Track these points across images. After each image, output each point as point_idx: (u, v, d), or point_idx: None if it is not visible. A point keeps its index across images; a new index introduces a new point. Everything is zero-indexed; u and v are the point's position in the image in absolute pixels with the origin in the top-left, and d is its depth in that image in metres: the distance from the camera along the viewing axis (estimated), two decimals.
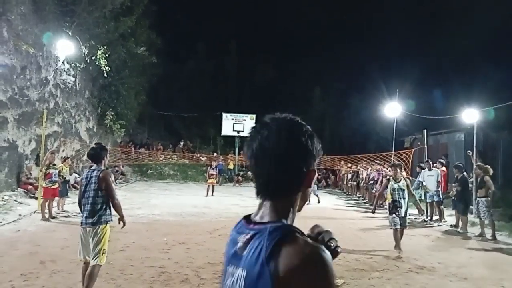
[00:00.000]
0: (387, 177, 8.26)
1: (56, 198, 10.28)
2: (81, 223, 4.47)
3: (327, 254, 0.95)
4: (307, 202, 1.14)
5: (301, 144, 1.05)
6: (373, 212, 8.07)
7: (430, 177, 11.31)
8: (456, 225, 10.19)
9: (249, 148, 1.07)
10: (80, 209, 4.54)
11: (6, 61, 11.71)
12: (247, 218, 1.08)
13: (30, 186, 12.17)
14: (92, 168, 4.53)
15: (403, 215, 7.20)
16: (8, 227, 8.44)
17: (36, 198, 10.81)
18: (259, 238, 0.97)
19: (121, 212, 4.60)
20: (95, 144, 4.84)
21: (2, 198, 10.64)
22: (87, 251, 4.41)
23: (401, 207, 7.17)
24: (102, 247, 4.39)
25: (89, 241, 4.39)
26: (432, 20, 26.01)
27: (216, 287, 5.05)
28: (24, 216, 9.66)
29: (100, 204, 4.41)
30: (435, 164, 11.84)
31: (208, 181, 16.78)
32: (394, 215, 7.19)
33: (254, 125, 1.12)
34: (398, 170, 7.45)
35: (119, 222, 4.65)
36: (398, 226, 7.16)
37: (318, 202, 14.82)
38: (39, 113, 13.12)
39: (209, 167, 17.56)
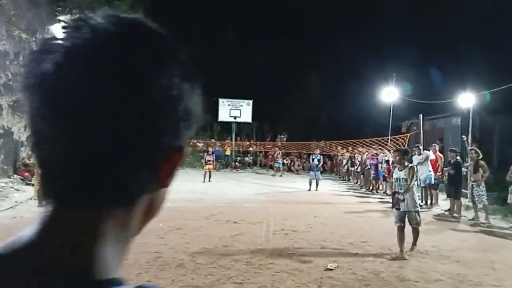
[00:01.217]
0: (393, 164, 7.41)
1: None
2: None
3: None
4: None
5: (167, 84, 0.46)
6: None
7: (421, 161, 11.38)
8: (450, 209, 10.29)
9: (34, 68, 0.44)
10: None
11: None
12: None
13: (26, 173, 12.18)
14: None
15: (410, 209, 6.12)
16: (5, 213, 8.47)
17: (33, 185, 10.84)
18: None
19: None
20: None
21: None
22: None
23: (403, 200, 6.16)
24: None
25: None
26: (428, 3, 25.78)
27: (212, 271, 5.12)
28: (21, 202, 9.69)
29: None
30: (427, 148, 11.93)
31: (205, 167, 16.80)
32: (395, 209, 6.32)
33: (66, 21, 0.47)
34: (405, 157, 6.48)
35: None
36: (402, 223, 6.13)
37: (316, 189, 14.62)
38: None
39: (205, 153, 17.57)
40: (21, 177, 12.11)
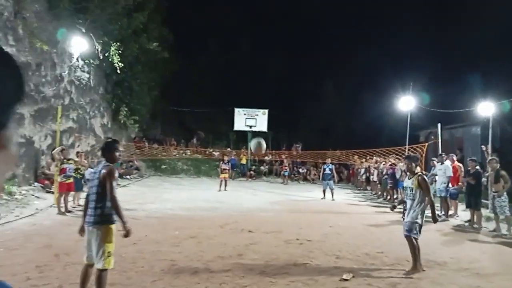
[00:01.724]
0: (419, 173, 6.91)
1: (72, 192, 10.51)
2: (86, 222, 4.12)
3: None
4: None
5: None
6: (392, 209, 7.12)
7: (440, 171, 11.18)
8: (470, 220, 10.05)
9: None
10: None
11: (22, 58, 11.94)
12: None
13: (46, 181, 12.44)
14: (102, 163, 4.36)
15: (407, 220, 5.88)
16: (25, 220, 8.65)
17: (53, 193, 11.06)
18: None
19: (121, 215, 4.04)
20: (106, 138, 4.84)
21: (20, 192, 10.91)
22: (91, 253, 4.10)
23: (405, 209, 6.00)
24: (107, 250, 4.01)
25: (92, 242, 4.06)
26: (446, 11, 25.52)
27: (225, 280, 5.11)
28: (41, 210, 9.89)
29: (104, 202, 4.05)
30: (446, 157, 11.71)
31: (220, 176, 16.86)
32: (402, 218, 6.24)
33: None
34: (413, 164, 6.09)
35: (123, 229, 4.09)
36: (417, 235, 5.81)
37: (332, 199, 14.59)
38: (54, 109, 13.36)
39: (221, 162, 17.64)
40: (42, 185, 12.38)
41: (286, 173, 21.84)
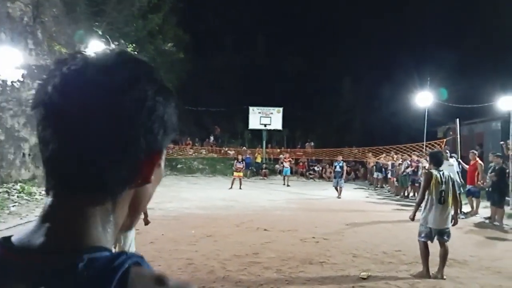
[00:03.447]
0: (426, 170, 6.11)
1: None
2: None
3: None
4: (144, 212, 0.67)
5: (144, 98, 0.56)
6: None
7: (450, 167, 10.94)
8: (490, 218, 9.83)
9: (39, 91, 0.56)
10: None
11: (41, 62, 12.22)
12: (9, 246, 0.53)
13: None
14: None
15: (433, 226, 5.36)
16: None
17: None
18: None
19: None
20: None
21: (40, 193, 11.16)
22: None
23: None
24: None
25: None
26: (466, 5, 24.96)
27: (241, 279, 5.13)
28: None
29: None
30: (452, 154, 11.57)
31: (234, 174, 16.94)
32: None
33: (61, 59, 0.58)
34: (432, 161, 5.80)
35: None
36: (424, 239, 5.44)
37: (338, 196, 14.53)
38: None
39: (235, 161, 17.71)
40: None
41: (287, 172, 19.76)
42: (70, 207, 0.54)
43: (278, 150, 26.75)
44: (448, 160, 11.15)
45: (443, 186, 5.40)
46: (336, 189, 14.80)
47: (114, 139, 0.54)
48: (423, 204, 5.55)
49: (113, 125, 0.53)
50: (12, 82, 11.09)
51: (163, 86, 0.61)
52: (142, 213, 0.68)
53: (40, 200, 10.61)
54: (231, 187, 16.39)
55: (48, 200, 0.56)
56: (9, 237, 0.54)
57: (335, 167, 15.14)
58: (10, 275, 0.50)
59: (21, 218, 8.72)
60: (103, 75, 0.54)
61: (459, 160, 12.04)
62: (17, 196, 10.18)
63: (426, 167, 12.50)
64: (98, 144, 0.53)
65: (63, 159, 0.54)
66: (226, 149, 26.63)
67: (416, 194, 14.50)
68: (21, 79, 11.42)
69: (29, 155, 11.90)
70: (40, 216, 0.55)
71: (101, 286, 0.48)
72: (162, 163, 0.63)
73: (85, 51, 0.59)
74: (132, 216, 0.62)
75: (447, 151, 11.59)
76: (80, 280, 0.48)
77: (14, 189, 10.48)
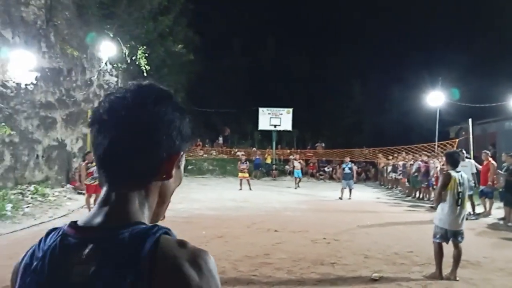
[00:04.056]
0: (445, 170, 5.94)
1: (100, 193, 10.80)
2: None
3: (212, 259, 0.73)
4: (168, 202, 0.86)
5: (165, 115, 0.78)
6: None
7: (464, 168, 10.78)
8: (504, 218, 9.68)
9: (95, 113, 0.81)
10: None
11: (54, 64, 12.39)
12: (75, 225, 0.75)
13: (77, 183, 12.84)
14: None
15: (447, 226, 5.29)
16: (59, 221, 8.97)
17: (84, 194, 11.41)
18: (115, 256, 0.68)
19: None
20: None
21: (53, 194, 11.32)
22: None
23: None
24: None
25: None
26: (476, 4, 24.66)
27: (253, 279, 5.13)
28: (73, 211, 10.24)
29: None
30: (467, 156, 11.41)
31: (239, 175, 17.02)
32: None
33: (109, 92, 0.84)
34: (448, 161, 5.66)
35: None
36: (439, 240, 5.35)
37: (349, 197, 14.32)
38: (84, 113, 13.80)
39: (239, 162, 17.77)
40: (73, 187, 12.79)
41: (299, 174, 19.10)
42: (116, 195, 0.77)
43: (288, 151, 26.71)
44: (464, 160, 11.03)
45: (461, 187, 5.32)
46: (343, 191, 14.47)
47: (144, 143, 0.76)
48: (439, 205, 5.47)
49: (143, 134, 0.76)
50: (25, 84, 11.27)
51: (179, 106, 0.83)
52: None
53: (53, 201, 10.75)
54: (240, 188, 16.48)
55: (102, 190, 0.78)
56: (76, 221, 0.76)
57: (344, 169, 14.98)
58: (75, 246, 0.71)
59: (35, 219, 8.86)
60: (136, 100, 0.78)
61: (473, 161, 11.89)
62: (31, 198, 10.33)
63: (438, 168, 12.40)
64: (133, 147, 0.75)
65: (110, 159, 0.77)
66: (236, 150, 26.68)
67: (427, 196, 14.38)
68: (35, 82, 11.59)
69: (42, 156, 12.07)
70: (98, 202, 0.78)
71: (139, 246, 0.68)
72: (182, 166, 0.85)
73: (134, 83, 0.82)
74: (161, 205, 0.83)
75: (464, 151, 11.44)
76: (124, 243, 0.69)
77: (28, 191, 10.63)
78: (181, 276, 0.66)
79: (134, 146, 0.75)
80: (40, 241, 0.77)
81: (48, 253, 0.72)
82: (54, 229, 0.78)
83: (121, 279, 0.66)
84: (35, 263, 0.72)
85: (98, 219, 0.74)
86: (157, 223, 0.75)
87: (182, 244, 0.70)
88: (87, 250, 0.69)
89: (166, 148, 0.78)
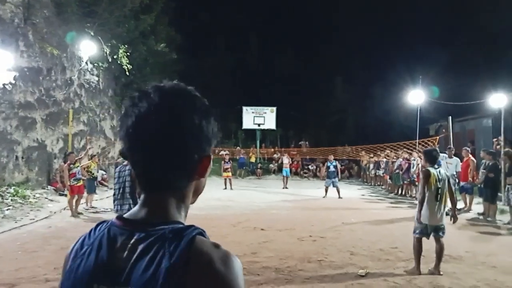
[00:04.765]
0: (423, 168, 6.03)
1: (84, 195, 10.62)
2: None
3: (240, 263, 0.79)
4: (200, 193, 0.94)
5: (192, 123, 0.82)
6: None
7: (449, 165, 11.04)
8: (484, 213, 9.95)
9: (122, 126, 0.84)
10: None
11: (33, 64, 12.10)
12: (123, 218, 0.84)
13: (59, 184, 12.58)
14: (124, 163, 4.60)
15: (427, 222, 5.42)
16: (40, 223, 8.79)
17: (66, 196, 11.18)
18: (155, 246, 0.76)
19: None
20: None
21: (34, 196, 11.06)
22: None
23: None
24: None
25: None
26: (456, 3, 25.22)
27: None
28: (55, 212, 10.03)
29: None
30: (445, 154, 11.63)
31: (223, 175, 17.07)
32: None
33: (132, 95, 0.86)
34: (426, 159, 5.81)
35: None
36: (418, 235, 5.53)
37: (339, 197, 14.14)
38: (65, 113, 13.53)
39: (223, 162, 17.78)
40: (54, 188, 12.53)
41: (288, 173, 18.80)
42: (157, 199, 0.84)
43: (272, 150, 26.78)
44: (452, 158, 11.27)
45: (440, 183, 5.46)
46: (327, 189, 14.41)
47: (177, 153, 0.81)
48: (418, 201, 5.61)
49: (177, 147, 0.81)
50: (3, 84, 10.98)
51: (206, 108, 0.87)
52: None
53: (34, 203, 10.50)
54: (225, 188, 16.53)
55: (142, 196, 0.85)
56: (122, 214, 0.84)
57: (329, 167, 14.89)
58: (121, 235, 0.80)
59: (15, 222, 8.65)
60: (163, 111, 0.80)
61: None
62: (11, 200, 10.07)
63: (420, 165, 12.63)
64: (167, 156, 0.80)
65: (150, 176, 0.83)
66: (220, 149, 26.60)
67: (409, 192, 14.65)
68: (13, 82, 11.30)
69: (22, 158, 11.79)
70: (138, 205, 0.85)
71: (178, 242, 0.75)
72: (210, 163, 0.89)
73: (148, 89, 0.85)
74: (195, 197, 0.92)
75: (451, 147, 11.68)
76: (165, 239, 0.76)
77: (7, 193, 10.37)
78: (213, 272, 0.73)
79: (169, 156, 0.80)
80: (91, 230, 0.86)
81: (97, 240, 0.81)
82: (104, 221, 0.86)
83: (159, 268, 0.73)
84: (85, 248, 0.82)
85: (142, 214, 0.82)
86: (193, 224, 0.82)
87: (216, 245, 0.78)
88: (132, 240, 0.78)
89: (199, 152, 0.84)
